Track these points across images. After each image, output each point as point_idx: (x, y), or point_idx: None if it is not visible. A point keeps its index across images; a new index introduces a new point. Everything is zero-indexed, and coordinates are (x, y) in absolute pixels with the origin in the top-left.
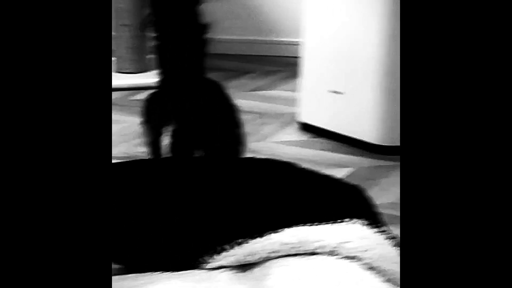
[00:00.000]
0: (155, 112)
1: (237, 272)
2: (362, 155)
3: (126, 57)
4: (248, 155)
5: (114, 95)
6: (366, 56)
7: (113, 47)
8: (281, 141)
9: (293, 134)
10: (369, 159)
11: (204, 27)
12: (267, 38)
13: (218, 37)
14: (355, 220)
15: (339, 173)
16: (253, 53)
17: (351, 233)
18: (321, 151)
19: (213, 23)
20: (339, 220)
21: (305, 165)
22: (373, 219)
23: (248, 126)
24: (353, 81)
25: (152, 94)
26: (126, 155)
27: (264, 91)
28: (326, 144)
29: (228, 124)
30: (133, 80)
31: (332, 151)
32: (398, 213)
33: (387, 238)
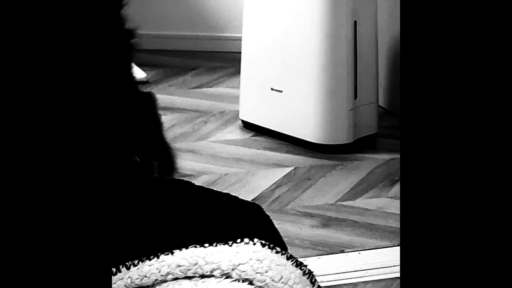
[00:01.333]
0: None
1: None
2: (301, 154)
3: None
4: (188, 155)
5: None
6: (304, 54)
7: None
8: (222, 140)
9: (235, 133)
10: (308, 158)
11: (129, 33)
12: (213, 34)
13: (163, 32)
14: (252, 240)
15: (278, 173)
16: (199, 49)
17: (248, 254)
18: (262, 150)
19: (138, 27)
20: (236, 241)
21: (245, 165)
22: (273, 239)
23: (190, 124)
24: (291, 79)
25: None
26: None
27: (208, 88)
28: (267, 143)
29: (143, 146)
30: None
31: (272, 150)
32: (334, 215)
33: (288, 258)
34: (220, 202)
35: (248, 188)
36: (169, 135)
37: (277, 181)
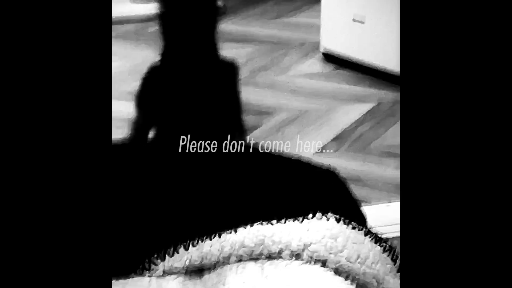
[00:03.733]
0: (148, 94)
1: (190, 279)
2: (385, 88)
3: None
4: (268, 90)
5: (129, 26)
6: None
7: None
8: (302, 74)
9: (316, 65)
10: (392, 93)
11: None
12: None
13: None
14: (326, 215)
15: (360, 108)
16: None
17: (321, 231)
18: (343, 85)
19: None
20: (307, 216)
21: (326, 100)
22: (349, 211)
23: (269, 57)
24: (374, 8)
25: (150, 70)
26: None
27: (287, 18)
28: (349, 76)
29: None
30: (150, 10)
31: (355, 84)
32: None
33: (366, 234)
34: (289, 169)
35: (329, 126)
36: (248, 68)
37: (359, 118)
